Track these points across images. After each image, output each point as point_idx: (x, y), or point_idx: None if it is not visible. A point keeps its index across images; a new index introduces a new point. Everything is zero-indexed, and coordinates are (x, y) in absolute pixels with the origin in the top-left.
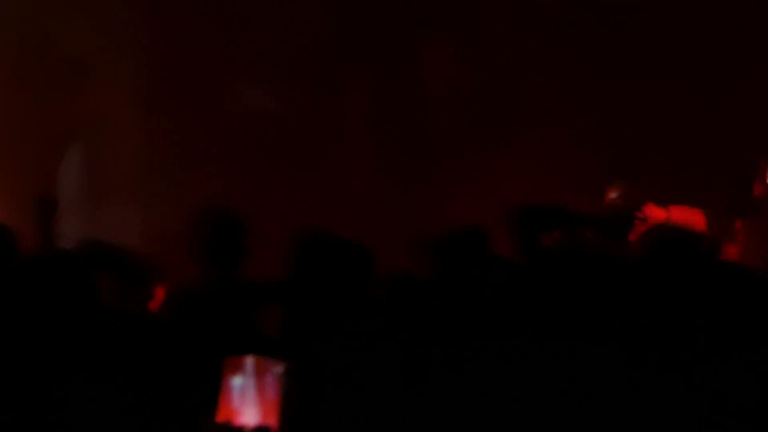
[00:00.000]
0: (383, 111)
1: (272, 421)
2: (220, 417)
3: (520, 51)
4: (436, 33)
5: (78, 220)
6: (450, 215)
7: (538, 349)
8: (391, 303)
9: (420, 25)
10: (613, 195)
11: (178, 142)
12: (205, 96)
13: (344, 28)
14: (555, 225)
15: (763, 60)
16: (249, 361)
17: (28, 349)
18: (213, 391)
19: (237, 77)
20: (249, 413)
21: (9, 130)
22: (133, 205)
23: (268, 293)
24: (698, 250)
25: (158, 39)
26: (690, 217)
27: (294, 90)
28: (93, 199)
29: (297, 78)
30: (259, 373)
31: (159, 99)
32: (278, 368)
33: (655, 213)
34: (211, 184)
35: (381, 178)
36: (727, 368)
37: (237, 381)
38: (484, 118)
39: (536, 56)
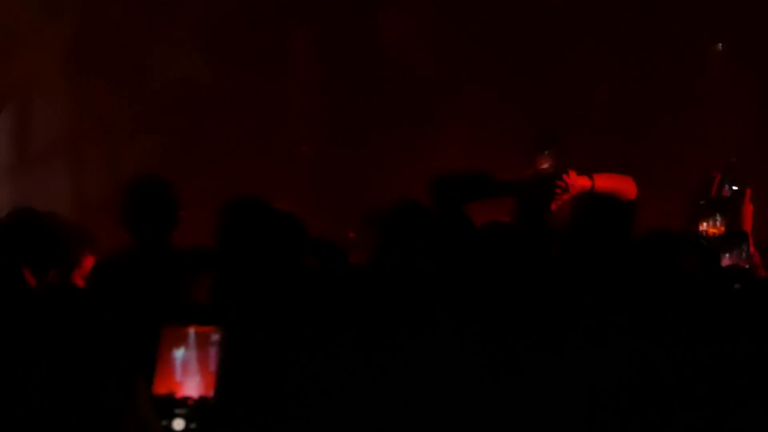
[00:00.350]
0: (329, 77)
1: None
2: (162, 389)
3: (462, 27)
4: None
5: (7, 186)
6: (393, 183)
7: (459, 331)
8: (322, 271)
9: None
10: (544, 165)
11: (110, 109)
12: (137, 62)
13: None
14: (477, 193)
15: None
16: (191, 332)
17: None
18: (147, 363)
19: (170, 43)
20: (191, 385)
21: None
22: (63, 172)
23: (197, 261)
24: (620, 219)
25: (88, 5)
26: (619, 184)
27: (231, 56)
28: (23, 166)
29: (234, 44)
30: (200, 345)
31: (90, 66)
32: (215, 336)
33: (579, 181)
34: (143, 151)
35: (327, 144)
36: (647, 339)
37: (179, 353)
38: (428, 88)
39: (475, 33)
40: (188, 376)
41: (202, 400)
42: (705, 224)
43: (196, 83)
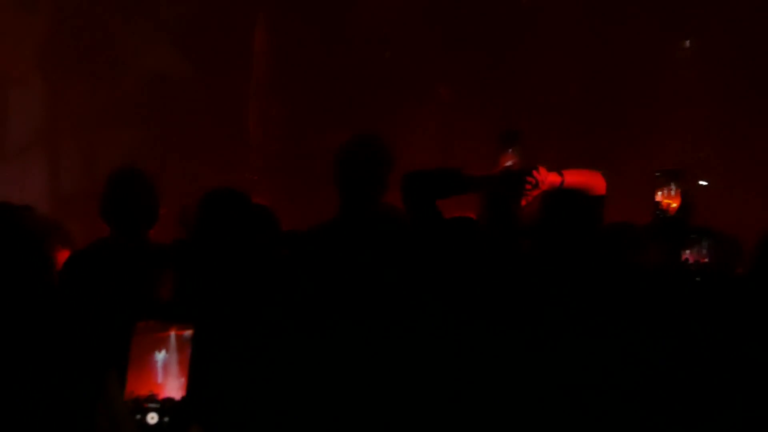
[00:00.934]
0: (301, 70)
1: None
2: (143, 391)
3: (433, 26)
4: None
5: None
6: None
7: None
8: (294, 261)
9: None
10: (508, 162)
11: (86, 103)
12: (112, 57)
13: None
14: (448, 189)
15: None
16: (172, 335)
17: None
18: (119, 358)
19: (144, 38)
20: (173, 387)
21: None
22: (40, 165)
23: (173, 254)
24: (588, 213)
25: (63, 2)
26: (588, 179)
27: (203, 51)
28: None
29: (206, 39)
30: (180, 347)
31: (66, 61)
32: (188, 333)
33: (549, 177)
34: (119, 145)
35: (296, 138)
36: (610, 329)
37: (160, 356)
38: (401, 85)
39: (447, 32)
40: (169, 377)
41: (183, 401)
42: (660, 193)
43: (170, 77)
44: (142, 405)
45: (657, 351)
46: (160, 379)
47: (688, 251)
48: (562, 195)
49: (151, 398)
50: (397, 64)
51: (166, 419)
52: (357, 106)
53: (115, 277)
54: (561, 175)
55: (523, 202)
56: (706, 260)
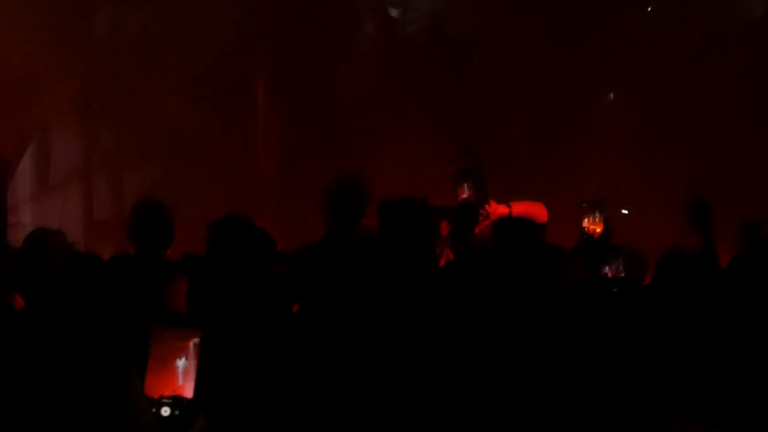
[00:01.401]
0: (291, 115)
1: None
2: (167, 392)
3: (402, 72)
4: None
5: (31, 209)
6: None
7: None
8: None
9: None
10: (464, 195)
11: (115, 145)
12: (137, 106)
13: (255, 49)
14: (414, 217)
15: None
16: (191, 344)
17: None
18: (140, 357)
19: (163, 89)
20: (187, 389)
21: None
22: (77, 197)
23: (178, 270)
24: (532, 237)
25: (96, 59)
26: (531, 209)
27: (213, 98)
28: (43, 192)
29: (215, 89)
30: (195, 354)
31: (98, 109)
32: (196, 340)
33: (499, 209)
34: (142, 179)
35: (289, 171)
36: (542, 334)
37: (180, 362)
38: (375, 125)
39: (412, 77)
40: (188, 380)
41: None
42: (587, 220)
43: (185, 121)
44: (156, 399)
45: (583, 351)
46: (181, 382)
47: (607, 267)
48: (511, 222)
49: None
50: (376, 109)
51: (177, 412)
52: (344, 145)
53: (135, 287)
54: (509, 206)
55: (477, 230)
56: (623, 274)
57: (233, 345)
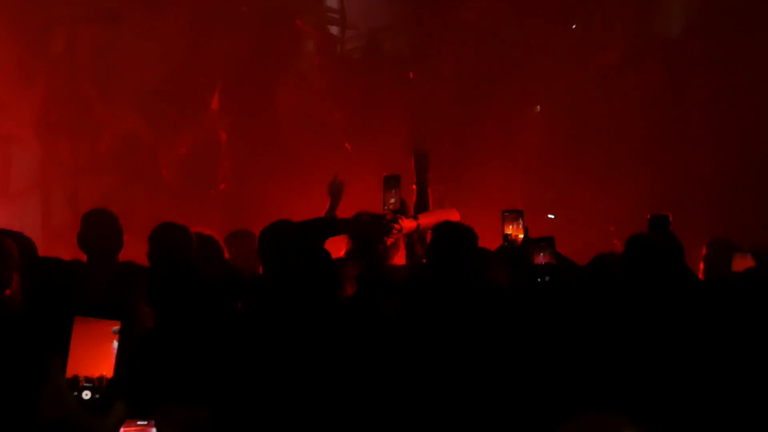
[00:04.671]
0: (239, 128)
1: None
2: (82, 371)
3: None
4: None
5: None
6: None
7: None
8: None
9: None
10: (391, 201)
11: (71, 158)
12: (91, 121)
13: (204, 66)
14: (326, 232)
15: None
16: (113, 330)
17: None
18: (61, 347)
19: (116, 105)
20: (104, 368)
21: None
22: (35, 206)
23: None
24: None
25: (53, 77)
26: (441, 218)
27: (164, 114)
28: (3, 201)
29: (167, 104)
30: (109, 338)
31: (55, 124)
32: (116, 328)
33: (407, 223)
34: (96, 190)
35: (240, 182)
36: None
37: (102, 348)
38: (314, 147)
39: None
40: (109, 364)
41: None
42: (510, 227)
43: (138, 136)
44: (78, 384)
45: (516, 342)
46: (100, 365)
47: (541, 254)
48: (449, 228)
49: (87, 379)
50: (317, 127)
51: (97, 396)
52: (290, 156)
53: (68, 286)
54: (417, 219)
55: (389, 242)
56: (553, 262)
57: (157, 335)
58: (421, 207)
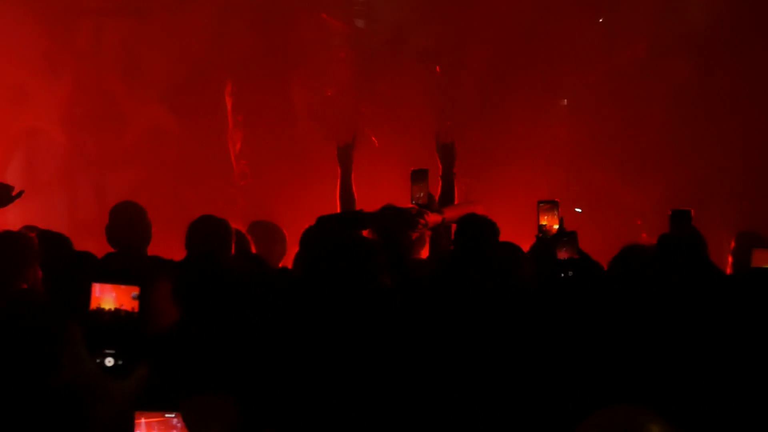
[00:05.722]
0: (259, 123)
1: None
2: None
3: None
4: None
5: (18, 209)
6: (305, 208)
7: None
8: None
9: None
10: (419, 194)
11: (97, 150)
12: (118, 113)
13: (227, 60)
14: (351, 226)
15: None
16: (132, 295)
17: None
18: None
19: (142, 98)
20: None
21: None
22: (61, 198)
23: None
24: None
25: (80, 69)
26: (465, 211)
27: (190, 107)
28: (29, 193)
29: (192, 97)
30: (129, 300)
31: (81, 116)
32: (135, 293)
33: (432, 218)
34: (122, 182)
35: (261, 175)
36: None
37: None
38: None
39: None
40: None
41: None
42: (545, 218)
43: (162, 128)
44: (101, 351)
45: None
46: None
47: (563, 249)
48: (472, 221)
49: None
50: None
51: (120, 362)
52: (309, 152)
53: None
54: (442, 213)
55: (414, 236)
56: (577, 257)
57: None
58: (447, 199)
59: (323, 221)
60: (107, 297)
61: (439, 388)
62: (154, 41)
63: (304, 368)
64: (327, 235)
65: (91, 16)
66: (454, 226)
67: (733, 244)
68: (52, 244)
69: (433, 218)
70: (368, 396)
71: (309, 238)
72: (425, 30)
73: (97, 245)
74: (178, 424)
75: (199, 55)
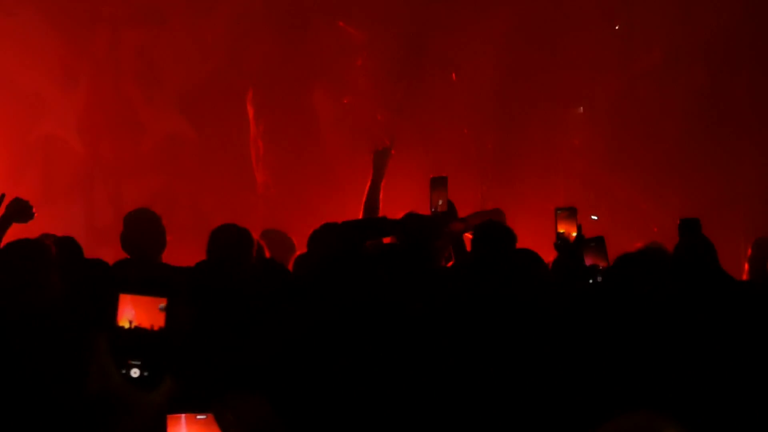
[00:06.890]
0: (279, 131)
1: None
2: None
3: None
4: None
5: (37, 215)
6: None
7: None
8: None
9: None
10: (439, 202)
11: (114, 158)
12: (135, 121)
13: (244, 68)
14: (373, 234)
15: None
16: (159, 307)
17: None
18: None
19: (159, 106)
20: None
21: None
22: (79, 205)
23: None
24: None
25: (97, 77)
26: (485, 217)
27: (207, 114)
28: (48, 200)
29: (209, 105)
30: (157, 314)
31: (99, 125)
32: (162, 305)
33: (455, 226)
34: (139, 190)
35: (281, 183)
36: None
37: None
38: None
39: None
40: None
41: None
42: (563, 225)
43: (180, 136)
44: (126, 362)
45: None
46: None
47: (590, 255)
48: (488, 228)
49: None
50: (357, 124)
51: (146, 374)
52: (327, 158)
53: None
54: (465, 221)
55: (438, 244)
56: (605, 263)
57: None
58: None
59: (330, 227)
60: (134, 308)
61: (461, 393)
62: (172, 49)
63: (327, 371)
64: (327, 244)
65: (108, 24)
66: (466, 235)
67: (750, 251)
68: (64, 250)
69: (456, 227)
70: (392, 398)
71: (312, 242)
72: (440, 39)
73: (114, 253)
74: (211, 425)
75: (216, 62)
